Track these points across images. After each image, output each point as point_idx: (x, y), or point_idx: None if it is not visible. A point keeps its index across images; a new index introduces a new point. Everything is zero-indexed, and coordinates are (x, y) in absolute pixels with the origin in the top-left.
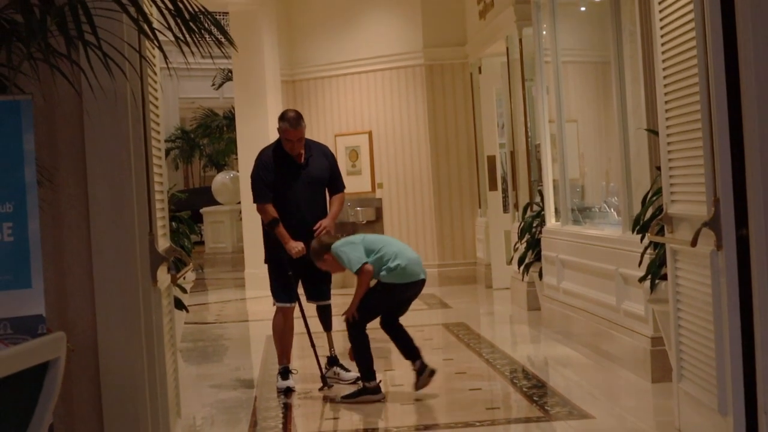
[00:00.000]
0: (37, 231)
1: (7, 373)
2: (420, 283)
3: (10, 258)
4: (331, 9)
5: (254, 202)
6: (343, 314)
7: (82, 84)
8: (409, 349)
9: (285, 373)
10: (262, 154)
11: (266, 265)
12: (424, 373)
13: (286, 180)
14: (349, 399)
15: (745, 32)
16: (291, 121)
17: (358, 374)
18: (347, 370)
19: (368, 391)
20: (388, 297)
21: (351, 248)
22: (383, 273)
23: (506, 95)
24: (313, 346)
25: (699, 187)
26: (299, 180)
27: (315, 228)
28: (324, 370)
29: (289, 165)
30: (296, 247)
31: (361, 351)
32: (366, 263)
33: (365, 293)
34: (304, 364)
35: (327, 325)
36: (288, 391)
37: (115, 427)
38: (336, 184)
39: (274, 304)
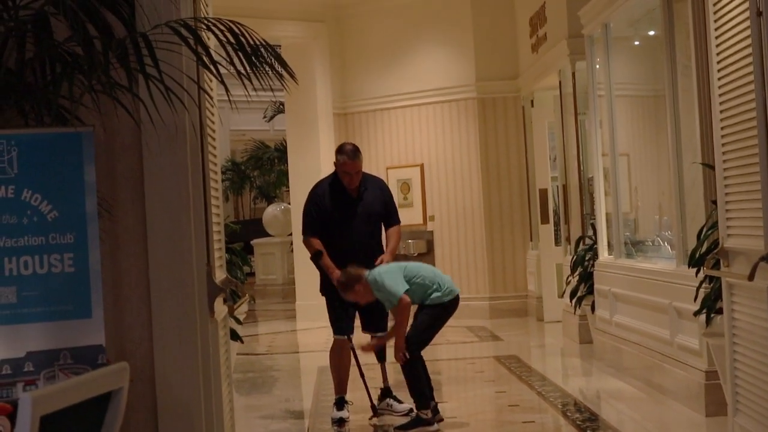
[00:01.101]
0: (98, 262)
1: (74, 402)
2: (458, 299)
3: (71, 288)
4: (384, 42)
5: (303, 234)
6: (395, 358)
7: (141, 116)
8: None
9: (340, 403)
10: (317, 187)
11: (323, 297)
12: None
13: (341, 214)
14: (403, 430)
15: None
16: (349, 153)
17: (411, 406)
18: (400, 402)
19: (423, 421)
20: (437, 316)
21: (393, 276)
22: (434, 295)
23: (558, 128)
24: (362, 375)
25: (756, 221)
26: (354, 213)
27: (376, 263)
28: (376, 401)
29: (344, 198)
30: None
31: (414, 378)
32: (406, 293)
33: (426, 314)
34: (359, 396)
35: (381, 356)
36: (341, 422)
37: None
38: (391, 217)
39: (334, 336)
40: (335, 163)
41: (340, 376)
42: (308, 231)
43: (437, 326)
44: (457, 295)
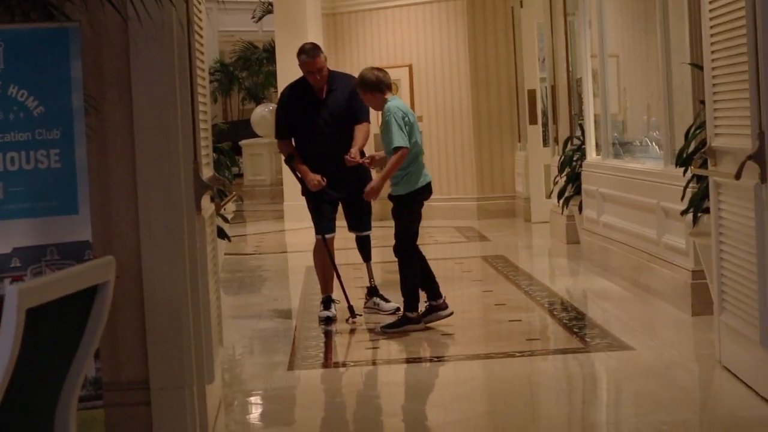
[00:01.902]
0: (84, 158)
1: (59, 296)
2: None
3: (57, 184)
4: None
5: (276, 138)
6: (365, 196)
7: (128, 12)
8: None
9: (327, 302)
10: (285, 90)
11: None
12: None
13: (306, 116)
14: (391, 330)
15: None
16: (308, 52)
17: (398, 305)
18: (387, 301)
19: (410, 320)
20: (414, 209)
21: (401, 126)
22: (411, 169)
23: (548, 29)
24: (338, 275)
25: (743, 120)
26: (319, 116)
27: (346, 158)
28: (364, 299)
29: (309, 101)
30: (314, 179)
31: (409, 277)
32: (407, 147)
33: (400, 213)
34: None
35: (366, 255)
36: (329, 320)
37: (159, 354)
38: (357, 115)
39: (316, 237)
40: (300, 65)
41: (325, 275)
42: (279, 134)
43: (418, 217)
44: (430, 182)
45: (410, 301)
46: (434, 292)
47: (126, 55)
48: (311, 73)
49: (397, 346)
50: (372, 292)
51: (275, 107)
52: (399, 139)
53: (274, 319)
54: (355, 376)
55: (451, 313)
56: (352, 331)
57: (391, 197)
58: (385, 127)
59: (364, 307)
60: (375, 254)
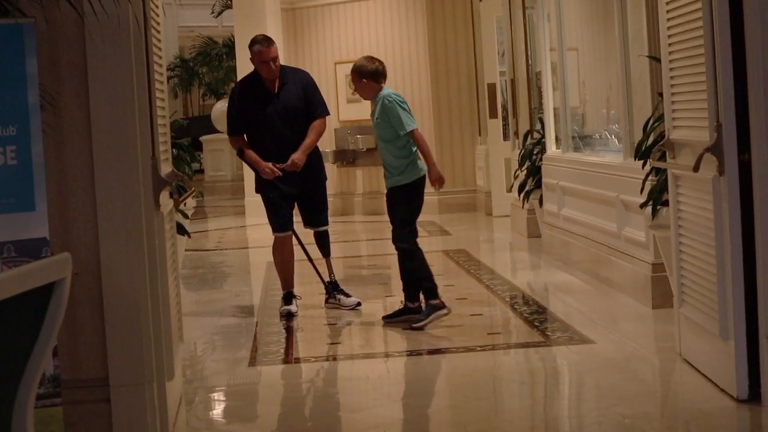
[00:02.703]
0: (41, 154)
1: (13, 294)
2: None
3: (14, 181)
4: None
5: (227, 134)
6: (436, 184)
7: (84, 7)
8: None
9: (288, 298)
10: (236, 85)
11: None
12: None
13: (258, 111)
14: (422, 323)
15: None
16: (261, 41)
17: (359, 299)
18: (348, 296)
19: (410, 311)
20: (418, 194)
21: (407, 111)
22: (412, 157)
23: (507, 23)
24: (310, 260)
25: (701, 112)
26: (272, 110)
27: (283, 166)
28: (325, 296)
29: (261, 95)
30: (266, 167)
31: (412, 269)
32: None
33: (397, 204)
34: (306, 290)
35: (326, 251)
36: (290, 315)
37: (118, 351)
38: (314, 110)
39: (274, 234)
40: (251, 59)
41: (285, 272)
42: (231, 130)
43: (418, 208)
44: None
45: (409, 292)
46: (412, 295)
47: (82, 52)
48: (265, 62)
49: (358, 341)
50: (333, 286)
51: (228, 103)
52: (410, 122)
53: (236, 315)
54: (316, 371)
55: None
56: (314, 327)
57: (391, 189)
58: (388, 113)
59: (325, 303)
60: (337, 249)
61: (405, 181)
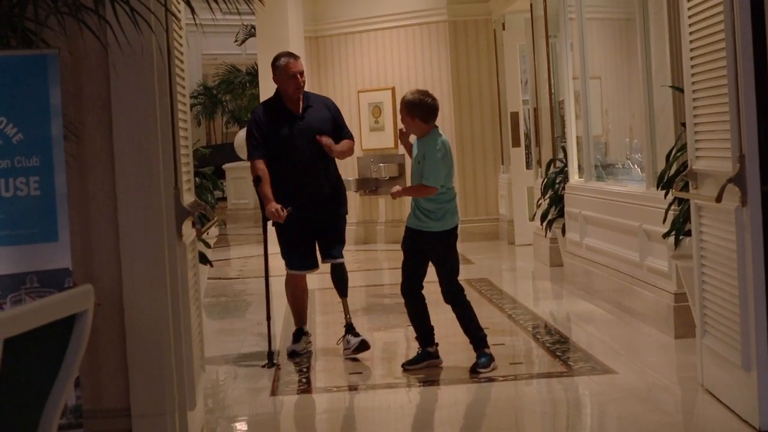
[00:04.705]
0: (64, 185)
1: (36, 325)
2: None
3: (37, 212)
4: None
5: (247, 158)
6: (393, 193)
7: (108, 38)
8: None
9: (297, 335)
10: (257, 108)
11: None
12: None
13: (281, 133)
14: (485, 369)
15: None
16: (289, 55)
17: (363, 338)
18: (357, 335)
19: (431, 355)
20: (448, 251)
21: (441, 164)
22: (450, 211)
23: (530, 52)
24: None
25: (724, 143)
26: (296, 132)
27: (325, 145)
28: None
29: (285, 118)
30: (272, 208)
31: (472, 316)
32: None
33: (448, 254)
34: (327, 319)
35: (342, 290)
36: (294, 355)
37: (140, 381)
38: (339, 131)
39: (287, 270)
40: (276, 76)
41: (297, 307)
42: (252, 153)
43: (456, 257)
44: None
45: (477, 341)
46: (430, 341)
47: (106, 82)
48: (293, 77)
49: (380, 371)
50: (347, 329)
51: (247, 126)
52: (437, 176)
53: (258, 344)
54: (339, 401)
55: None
56: (335, 358)
57: (433, 234)
58: (427, 157)
59: (337, 343)
60: (359, 278)
61: (445, 227)
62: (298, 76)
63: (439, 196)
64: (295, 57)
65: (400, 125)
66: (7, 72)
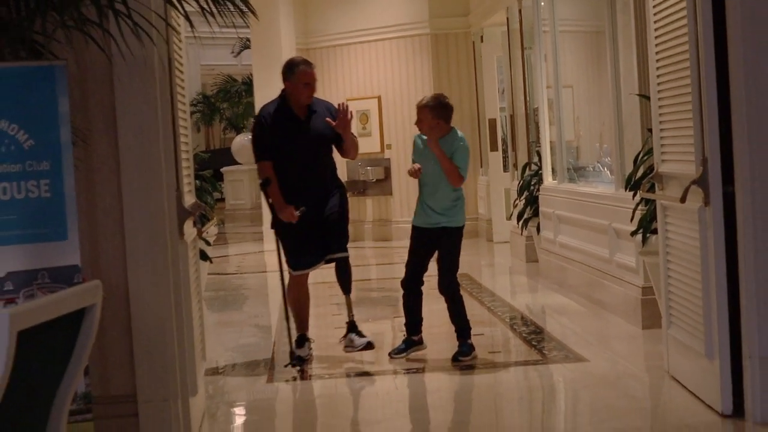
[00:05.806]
0: (72, 187)
1: (48, 318)
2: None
3: (48, 212)
4: None
5: (255, 160)
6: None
7: (112, 50)
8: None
9: (300, 341)
10: (262, 110)
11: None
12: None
13: (287, 138)
14: (465, 358)
15: (733, 2)
16: (307, 63)
17: (369, 340)
18: (362, 336)
19: (415, 343)
20: (455, 244)
21: (468, 156)
22: (459, 203)
23: (506, 63)
24: (287, 318)
25: (688, 147)
26: (301, 136)
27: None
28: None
29: (291, 122)
30: (287, 210)
31: (462, 310)
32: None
33: (458, 249)
34: (317, 312)
35: (346, 287)
36: (300, 361)
37: (145, 369)
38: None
39: (290, 273)
40: (290, 81)
41: (301, 312)
42: (260, 155)
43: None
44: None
45: (465, 329)
46: (417, 330)
47: (111, 91)
48: (308, 85)
49: (369, 359)
50: (350, 327)
51: (253, 128)
52: (465, 172)
53: (256, 335)
54: (332, 387)
55: (425, 346)
56: (328, 348)
57: (448, 230)
58: (458, 152)
59: (339, 341)
60: (359, 272)
61: (461, 222)
62: (312, 84)
63: (458, 189)
64: (311, 65)
65: (417, 132)
66: (19, 82)
